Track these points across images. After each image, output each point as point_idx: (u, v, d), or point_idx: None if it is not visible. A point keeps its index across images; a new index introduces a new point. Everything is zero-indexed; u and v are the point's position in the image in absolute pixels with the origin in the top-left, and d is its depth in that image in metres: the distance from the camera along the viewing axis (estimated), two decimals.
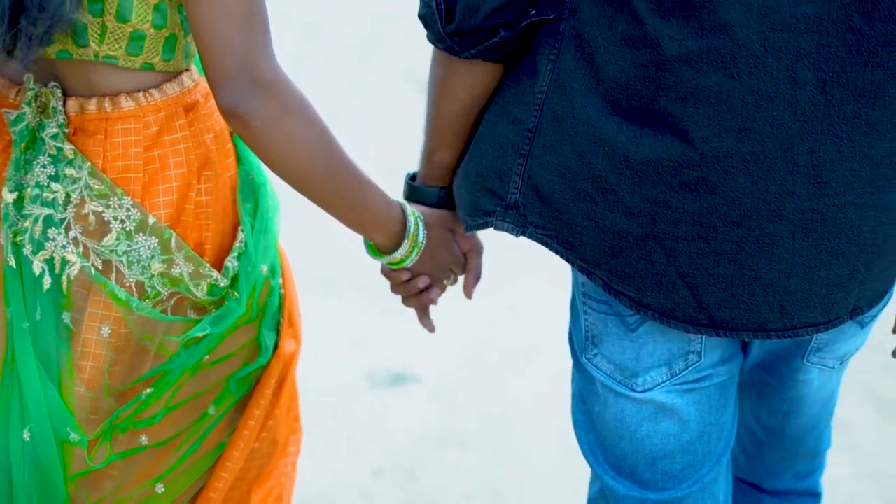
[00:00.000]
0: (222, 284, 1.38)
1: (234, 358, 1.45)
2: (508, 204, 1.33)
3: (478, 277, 1.58)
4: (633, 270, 1.27)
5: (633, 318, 1.33)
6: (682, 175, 1.21)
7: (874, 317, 1.41)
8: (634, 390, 1.35)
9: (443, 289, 1.56)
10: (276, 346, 1.52)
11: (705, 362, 1.34)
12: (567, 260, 1.32)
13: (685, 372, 1.35)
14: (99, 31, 1.27)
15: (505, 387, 2.95)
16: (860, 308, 1.33)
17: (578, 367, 1.45)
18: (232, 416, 1.49)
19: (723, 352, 1.36)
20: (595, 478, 1.51)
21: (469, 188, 1.39)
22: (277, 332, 1.53)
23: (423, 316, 1.59)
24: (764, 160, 1.19)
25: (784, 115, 1.18)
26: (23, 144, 1.32)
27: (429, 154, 1.47)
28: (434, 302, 1.56)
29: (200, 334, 1.37)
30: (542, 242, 1.33)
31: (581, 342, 1.41)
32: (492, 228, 1.38)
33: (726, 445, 1.44)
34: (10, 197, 1.31)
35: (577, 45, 1.25)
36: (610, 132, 1.23)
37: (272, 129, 1.28)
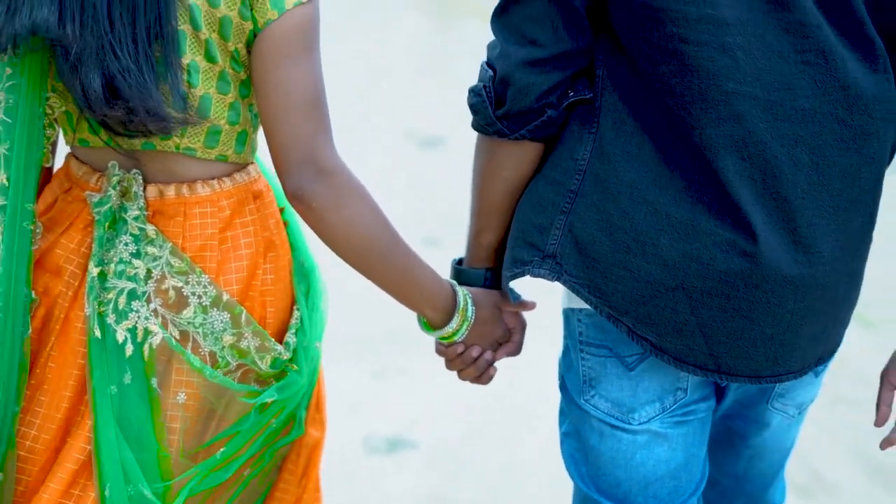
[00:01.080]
0: (284, 357, 1.53)
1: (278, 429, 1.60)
2: (546, 254, 1.50)
3: (517, 352, 1.71)
4: (658, 318, 1.46)
5: (632, 359, 1.52)
6: (715, 236, 1.42)
7: (826, 367, 1.63)
8: (631, 424, 1.53)
9: (493, 358, 1.67)
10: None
11: (689, 398, 1.55)
12: (595, 307, 1.48)
13: (674, 407, 1.54)
14: (181, 128, 1.44)
15: (503, 452, 2.95)
16: (823, 358, 1.57)
17: (571, 407, 1.61)
18: (258, 483, 1.63)
19: (703, 390, 1.56)
20: None
21: (511, 244, 1.55)
22: (306, 412, 1.67)
23: (481, 380, 1.71)
24: (769, 256, 1.42)
25: (787, 193, 1.42)
26: (106, 224, 1.48)
27: (476, 236, 1.63)
28: (492, 369, 1.69)
29: (269, 400, 1.52)
30: (574, 290, 1.50)
31: (578, 386, 1.57)
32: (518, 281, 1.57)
33: (702, 478, 1.62)
34: (94, 271, 1.46)
35: (614, 119, 1.46)
36: (653, 194, 1.44)
37: (333, 212, 1.45)
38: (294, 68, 1.43)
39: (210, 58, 1.44)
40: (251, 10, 1.40)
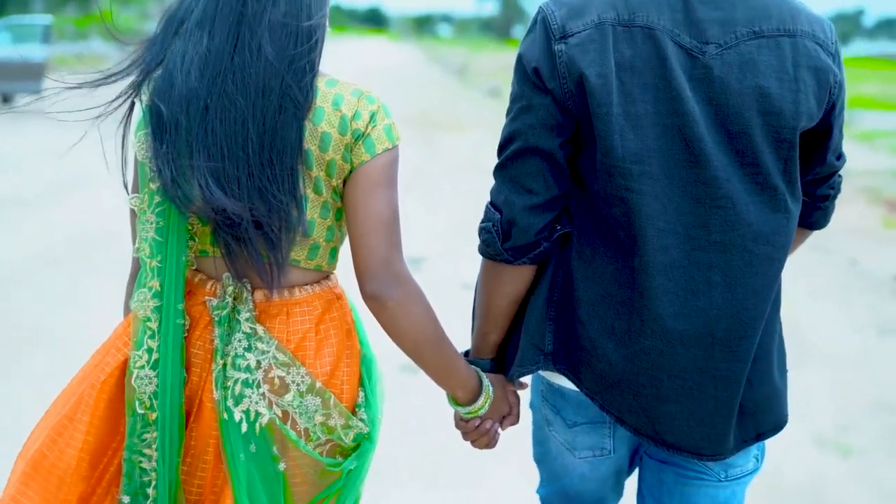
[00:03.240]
0: (364, 431, 1.85)
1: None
2: (546, 353, 1.88)
3: (517, 422, 2.07)
4: (616, 401, 1.82)
5: (570, 421, 1.95)
6: (643, 343, 1.77)
7: (748, 448, 1.90)
8: (574, 455, 1.98)
9: (499, 428, 2.05)
10: None
11: (613, 451, 1.96)
12: (579, 388, 1.86)
13: (601, 456, 1.97)
14: (301, 233, 1.77)
15: None
16: (763, 435, 1.86)
17: (538, 427, 2.07)
18: None
19: (626, 444, 1.98)
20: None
21: (522, 347, 1.90)
22: None
23: (488, 445, 2.06)
24: (694, 336, 1.75)
25: (705, 306, 1.75)
26: (225, 325, 1.79)
27: (484, 336, 1.98)
28: (497, 436, 2.05)
29: (353, 465, 1.84)
30: (566, 376, 1.87)
31: (543, 421, 2.01)
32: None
33: (614, 495, 2.11)
34: (220, 363, 1.77)
35: (579, 249, 1.81)
36: (602, 310, 1.79)
37: (400, 311, 1.78)
38: (378, 198, 1.76)
39: (317, 191, 1.77)
40: (351, 153, 1.75)
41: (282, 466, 1.78)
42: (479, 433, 2.01)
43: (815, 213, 1.99)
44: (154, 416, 1.78)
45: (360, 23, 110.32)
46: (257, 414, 1.76)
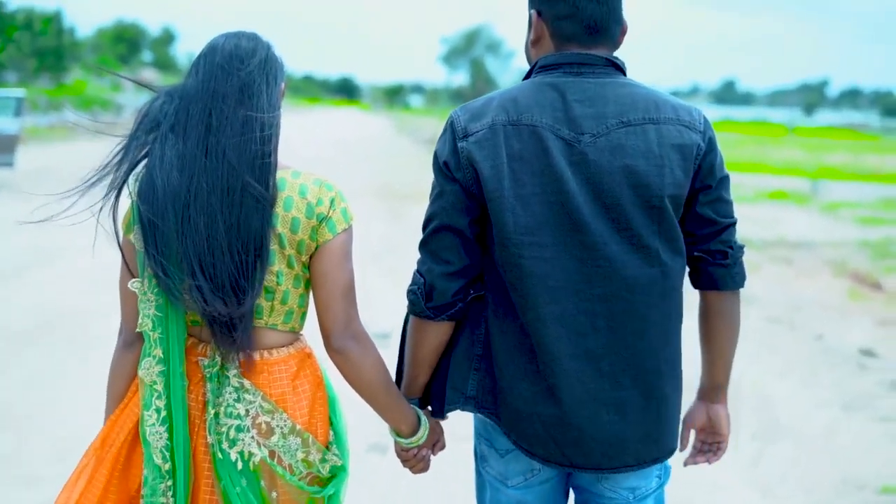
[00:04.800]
0: (338, 463, 2.21)
1: None
2: (468, 396, 2.27)
3: (443, 447, 2.42)
4: (528, 434, 2.19)
5: (502, 450, 2.28)
6: (548, 383, 2.13)
7: (649, 469, 2.26)
8: (506, 485, 2.31)
9: (430, 455, 2.42)
10: None
11: (542, 474, 2.28)
12: (498, 425, 2.24)
13: (532, 478, 2.28)
14: (269, 310, 2.14)
15: None
16: (659, 458, 2.22)
17: (477, 469, 2.40)
18: None
19: (550, 470, 2.28)
20: None
21: (448, 388, 2.28)
22: None
23: (423, 470, 2.42)
24: (586, 372, 2.12)
25: (592, 346, 2.12)
26: (216, 380, 2.12)
27: (413, 379, 2.33)
28: (430, 460, 2.41)
29: (332, 492, 2.22)
30: (487, 416, 2.26)
31: (479, 459, 2.37)
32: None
33: None
34: (211, 412, 2.12)
35: (493, 308, 2.19)
36: (516, 357, 2.16)
37: (359, 361, 2.16)
38: (340, 269, 2.14)
39: (290, 265, 2.12)
40: (316, 233, 2.11)
41: (274, 496, 2.14)
42: (417, 459, 2.37)
43: (718, 271, 2.22)
44: (167, 466, 2.11)
45: (333, 93, 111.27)
46: (251, 454, 2.10)
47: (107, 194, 2.07)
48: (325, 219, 2.11)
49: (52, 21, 39.09)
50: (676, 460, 2.35)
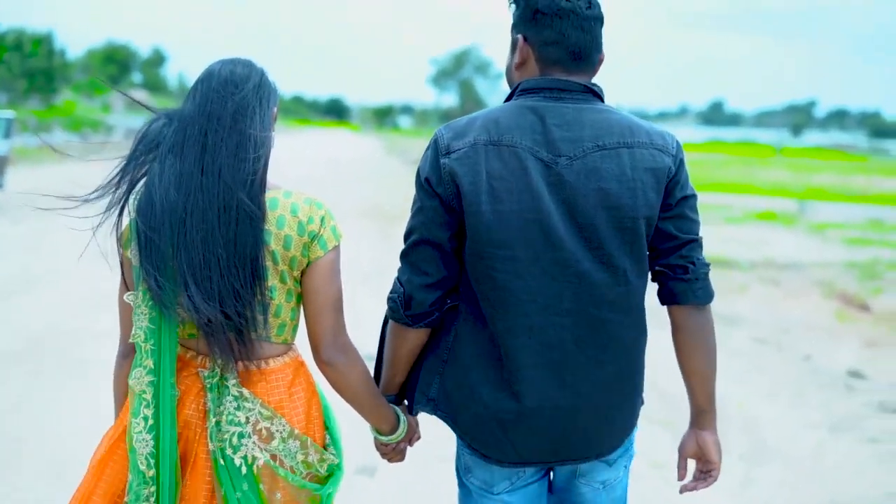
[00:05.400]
0: (335, 462, 2.35)
1: None
2: (430, 398, 2.39)
3: (417, 440, 2.56)
4: (485, 438, 2.32)
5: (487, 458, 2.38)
6: (512, 389, 2.26)
7: (616, 460, 2.41)
8: (493, 493, 2.40)
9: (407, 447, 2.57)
10: None
11: (527, 478, 2.40)
12: (453, 430, 2.37)
13: (517, 481, 2.39)
14: (263, 323, 2.22)
15: None
16: (601, 454, 2.36)
17: (460, 482, 2.47)
18: None
19: (534, 472, 2.41)
20: None
21: (417, 391, 2.42)
22: None
23: (400, 460, 2.57)
24: (549, 380, 2.24)
25: (558, 358, 2.24)
26: (216, 391, 2.22)
27: (391, 379, 2.47)
28: (405, 452, 2.56)
29: (330, 490, 2.34)
30: (443, 419, 2.38)
31: (462, 471, 2.45)
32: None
33: None
34: (213, 421, 2.21)
35: (464, 318, 2.32)
36: (481, 364, 2.28)
37: (346, 371, 2.30)
38: (330, 284, 2.26)
39: (283, 281, 2.24)
40: (308, 250, 2.22)
41: (278, 497, 2.25)
42: (396, 452, 2.54)
43: (679, 285, 2.31)
44: (151, 472, 2.19)
45: (322, 114, 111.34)
46: (254, 458, 2.21)
47: (106, 211, 2.18)
48: (316, 236, 2.23)
49: (43, 42, 39.11)
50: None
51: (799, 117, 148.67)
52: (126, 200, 2.18)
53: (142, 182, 2.17)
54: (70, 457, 4.74)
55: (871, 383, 7.02)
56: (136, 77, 74.42)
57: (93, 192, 2.19)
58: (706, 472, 2.44)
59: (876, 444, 5.62)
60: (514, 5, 2.34)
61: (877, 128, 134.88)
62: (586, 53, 2.29)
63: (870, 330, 8.97)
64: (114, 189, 2.18)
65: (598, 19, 2.30)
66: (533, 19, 2.28)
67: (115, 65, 65.29)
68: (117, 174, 2.19)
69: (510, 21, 2.36)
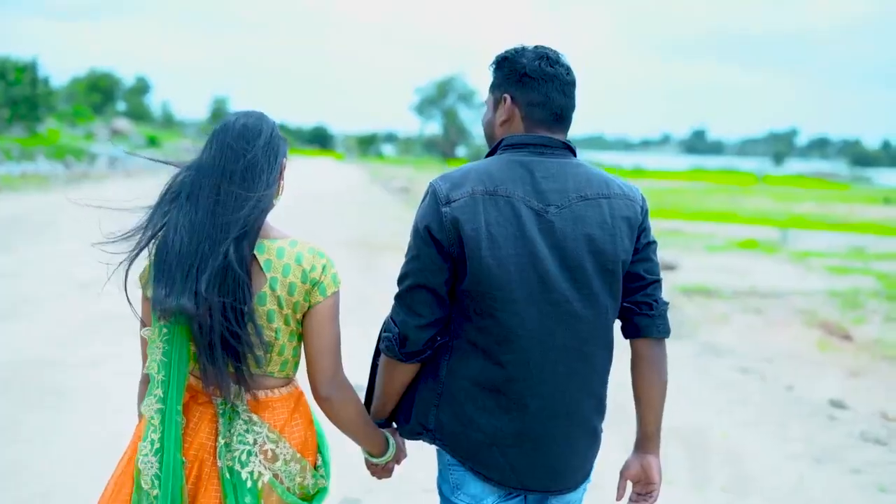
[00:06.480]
0: (325, 485, 2.61)
1: None
2: (428, 429, 2.59)
3: (405, 456, 2.79)
4: (486, 462, 2.52)
5: (478, 473, 2.55)
6: (507, 417, 2.49)
7: (585, 488, 2.65)
8: None
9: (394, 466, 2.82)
10: None
11: (512, 494, 2.59)
12: (453, 456, 2.55)
13: (504, 497, 2.57)
14: (268, 361, 2.48)
15: None
16: (586, 476, 2.61)
17: (446, 502, 2.63)
18: None
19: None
20: None
21: (412, 420, 2.62)
22: None
23: (388, 477, 2.81)
24: (543, 409, 2.47)
25: (552, 390, 2.48)
26: (227, 416, 2.46)
27: (381, 407, 2.69)
28: (392, 470, 2.81)
29: None
30: (443, 448, 2.57)
31: (450, 489, 2.61)
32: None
33: None
34: (222, 441, 2.46)
35: (458, 353, 2.51)
36: (478, 396, 2.49)
37: (342, 406, 2.54)
38: (329, 327, 2.48)
39: (286, 323, 2.47)
40: (310, 296, 2.45)
41: None
42: (384, 471, 2.80)
43: (644, 320, 2.57)
44: (155, 492, 2.40)
45: (307, 143, 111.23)
46: (259, 474, 2.45)
47: (130, 253, 2.46)
48: (318, 283, 2.47)
49: (27, 70, 38.94)
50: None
51: (781, 145, 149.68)
52: (147, 244, 2.44)
53: (163, 229, 2.43)
54: (50, 488, 4.72)
55: (853, 413, 7.04)
56: (120, 105, 74.25)
57: (126, 233, 2.47)
58: (647, 494, 2.65)
59: (858, 475, 5.64)
60: (496, 68, 2.61)
61: (858, 156, 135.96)
62: (566, 114, 2.58)
63: (851, 359, 9.01)
64: (139, 233, 2.46)
65: (575, 84, 2.60)
66: (520, 81, 2.55)
67: (99, 93, 65.20)
68: (145, 220, 2.47)
69: (490, 81, 2.63)
